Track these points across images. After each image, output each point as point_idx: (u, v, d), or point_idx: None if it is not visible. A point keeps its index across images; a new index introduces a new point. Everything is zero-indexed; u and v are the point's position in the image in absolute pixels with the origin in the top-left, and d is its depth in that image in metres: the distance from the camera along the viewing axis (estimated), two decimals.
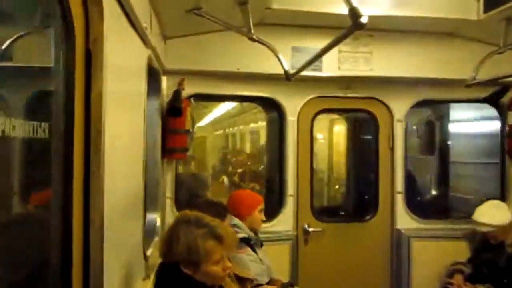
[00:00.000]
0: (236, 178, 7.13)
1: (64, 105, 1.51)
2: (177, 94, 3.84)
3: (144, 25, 2.54)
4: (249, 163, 7.46)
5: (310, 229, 4.54)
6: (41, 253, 1.59)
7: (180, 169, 6.05)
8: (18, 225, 2.01)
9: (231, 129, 8.96)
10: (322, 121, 5.64)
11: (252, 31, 3.48)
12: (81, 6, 1.60)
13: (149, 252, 3.04)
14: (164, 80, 4.09)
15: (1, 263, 1.40)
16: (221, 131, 9.31)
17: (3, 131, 1.15)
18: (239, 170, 7.12)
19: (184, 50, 4.02)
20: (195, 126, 8.16)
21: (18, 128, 1.27)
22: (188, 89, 4.20)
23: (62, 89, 1.52)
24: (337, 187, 5.93)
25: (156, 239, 3.50)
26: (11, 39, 1.88)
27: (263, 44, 3.54)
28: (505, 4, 3.51)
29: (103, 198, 1.66)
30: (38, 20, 1.72)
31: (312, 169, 4.67)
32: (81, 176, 1.61)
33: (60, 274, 1.54)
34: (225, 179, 7.29)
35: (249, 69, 4.13)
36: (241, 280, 2.94)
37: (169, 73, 4.05)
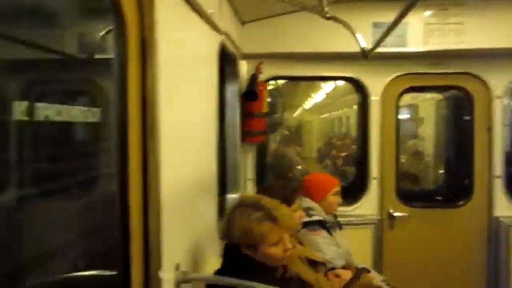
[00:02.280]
0: (338, 162, 7.06)
1: (119, 92, 1.61)
2: (253, 78, 3.88)
3: (211, 10, 2.59)
4: (353, 146, 7.31)
5: (396, 214, 4.34)
6: (107, 231, 1.74)
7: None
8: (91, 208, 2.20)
9: (336, 112, 8.80)
10: (413, 100, 5.31)
11: (326, 9, 3.36)
12: None
13: None
14: (243, 64, 4.15)
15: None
16: (327, 114, 9.20)
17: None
18: (342, 154, 7.02)
19: (261, 34, 4.03)
20: (298, 109, 8.11)
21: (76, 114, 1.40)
22: (267, 72, 4.22)
23: (118, 77, 1.62)
24: (428, 168, 5.55)
25: None
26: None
27: (338, 21, 3.40)
28: None
29: (159, 180, 1.75)
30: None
31: (397, 151, 4.43)
32: (138, 160, 1.71)
33: (121, 249, 1.66)
34: (328, 162, 7.27)
35: (328, 48, 4.02)
36: (313, 263, 2.91)
37: (247, 57, 4.10)
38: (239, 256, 2.17)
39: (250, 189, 4.30)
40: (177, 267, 2.00)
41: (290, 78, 4.75)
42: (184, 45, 2.21)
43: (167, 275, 1.86)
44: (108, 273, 1.80)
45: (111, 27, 1.68)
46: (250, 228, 2.09)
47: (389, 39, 3.66)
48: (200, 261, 2.45)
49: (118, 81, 1.62)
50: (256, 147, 4.38)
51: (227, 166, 3.91)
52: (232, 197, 3.84)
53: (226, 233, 2.21)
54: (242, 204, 2.22)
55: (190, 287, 2.16)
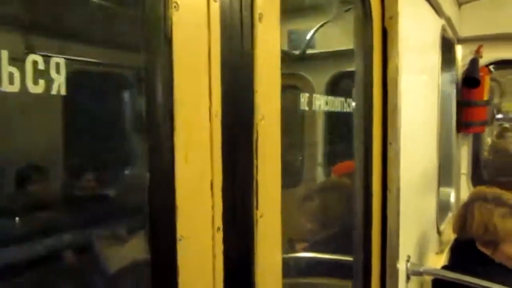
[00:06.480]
0: None
1: (364, 82, 1.66)
2: (473, 63, 3.55)
3: None
4: None
5: None
6: (345, 216, 1.82)
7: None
8: (323, 192, 2.33)
9: None
10: None
11: None
12: None
13: (442, 227, 2.99)
14: (459, 49, 3.84)
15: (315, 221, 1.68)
16: None
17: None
18: None
19: (480, 14, 3.66)
20: None
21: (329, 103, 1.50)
22: (487, 57, 3.82)
23: (362, 67, 1.67)
24: None
25: (450, 214, 3.40)
26: (315, 29, 2.18)
27: None
28: None
29: (399, 169, 1.74)
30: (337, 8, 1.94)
31: None
32: (379, 148, 1.74)
33: (362, 236, 1.72)
34: None
35: None
36: None
37: (464, 41, 3.78)
38: (474, 252, 2.03)
39: (464, 184, 3.98)
40: (408, 259, 1.98)
41: None
42: (415, 32, 2.16)
43: (401, 266, 1.85)
44: (344, 258, 1.89)
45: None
46: (492, 225, 1.94)
47: None
48: (422, 255, 2.38)
49: (363, 70, 1.67)
50: (471, 140, 4.03)
51: (440, 159, 3.69)
52: (446, 191, 3.62)
53: (460, 227, 2.09)
54: (480, 198, 2.07)
55: (416, 281, 2.12)
